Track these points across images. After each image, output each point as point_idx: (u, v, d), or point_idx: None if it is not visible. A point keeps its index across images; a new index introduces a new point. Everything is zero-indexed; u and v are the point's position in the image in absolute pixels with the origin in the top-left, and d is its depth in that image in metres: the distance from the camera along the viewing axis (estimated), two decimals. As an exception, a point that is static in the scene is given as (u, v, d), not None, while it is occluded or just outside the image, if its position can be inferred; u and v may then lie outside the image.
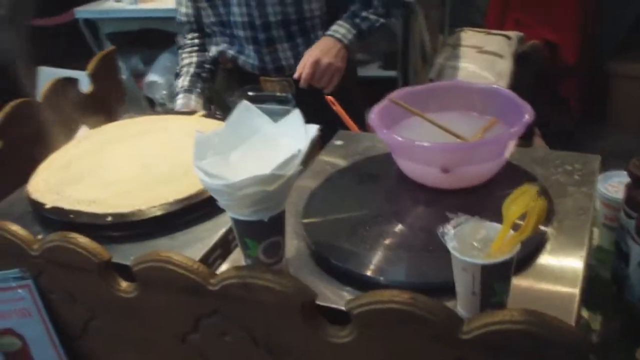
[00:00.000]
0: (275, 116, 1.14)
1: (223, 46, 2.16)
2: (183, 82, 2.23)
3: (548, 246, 1.13)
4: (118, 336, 1.26)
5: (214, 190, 1.03)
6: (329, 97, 1.65)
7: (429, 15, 3.20)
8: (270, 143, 1.08)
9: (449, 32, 3.48)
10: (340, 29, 2.04)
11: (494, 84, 2.71)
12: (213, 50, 2.21)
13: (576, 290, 1.03)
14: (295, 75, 1.98)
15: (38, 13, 3.69)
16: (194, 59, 2.27)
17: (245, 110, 1.11)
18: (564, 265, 1.08)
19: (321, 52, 1.98)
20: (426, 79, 3.00)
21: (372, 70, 3.48)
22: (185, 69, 2.26)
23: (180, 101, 2.19)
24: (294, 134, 1.06)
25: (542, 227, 1.13)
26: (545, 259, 1.10)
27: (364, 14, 2.05)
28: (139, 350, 1.25)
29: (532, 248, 1.09)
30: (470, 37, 3.03)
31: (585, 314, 1.33)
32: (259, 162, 1.02)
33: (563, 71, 3.59)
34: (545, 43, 3.32)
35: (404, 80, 3.20)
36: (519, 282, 1.04)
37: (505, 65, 2.84)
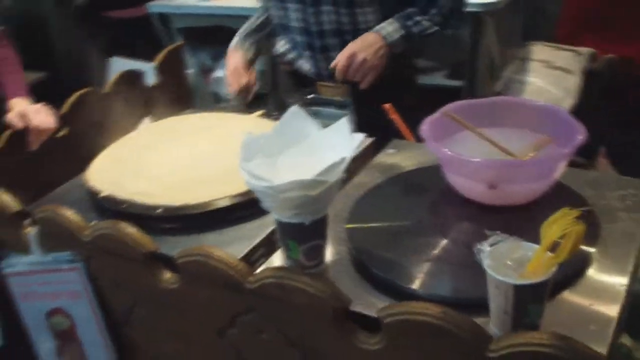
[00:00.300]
0: (333, 120, 1.15)
1: (284, 48, 2.17)
2: (244, 29, 2.31)
3: (591, 269, 1.12)
4: (160, 326, 1.30)
5: (258, 191, 1.05)
6: (386, 105, 1.65)
7: (501, 26, 3.17)
8: (316, 149, 1.09)
9: (521, 45, 3.43)
10: (388, 26, 1.99)
11: (561, 100, 2.67)
12: (275, 51, 2.23)
13: (614, 316, 1.02)
14: (331, 65, 1.96)
15: (113, 5, 3.78)
16: (261, 19, 2.31)
17: (294, 115, 1.13)
18: (604, 289, 1.07)
19: (360, 47, 1.94)
20: (492, 91, 2.97)
21: (437, 79, 3.45)
22: (250, 21, 2.33)
23: (233, 41, 2.28)
24: (340, 141, 1.07)
25: (587, 249, 1.12)
26: (587, 282, 1.09)
27: (417, 17, 2.00)
28: (178, 341, 1.28)
29: (574, 269, 1.09)
30: (540, 51, 2.99)
31: (627, 341, 1.31)
32: (305, 167, 1.04)
33: (636, 82, 3.49)
34: (621, 58, 3.24)
35: (469, 91, 3.17)
36: (558, 302, 1.04)
37: (573, 82, 2.79)
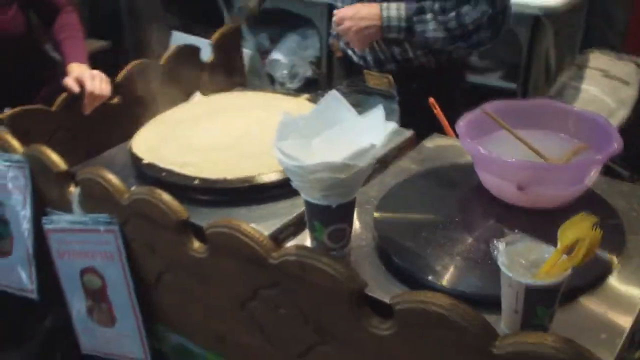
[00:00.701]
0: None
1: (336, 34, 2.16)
2: None
3: (611, 278, 1.12)
4: (186, 292, 1.34)
5: (288, 170, 1.08)
6: (431, 100, 1.66)
7: (560, 31, 3.13)
8: (350, 134, 1.12)
9: (580, 52, 3.39)
10: (393, 10, 1.87)
11: (614, 110, 2.65)
12: (331, 36, 2.20)
13: (626, 327, 1.02)
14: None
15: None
16: None
17: (333, 100, 1.16)
18: (621, 300, 1.08)
19: (352, 15, 1.87)
20: (546, 96, 2.94)
21: (492, 80, 3.41)
22: None
23: None
24: (373, 128, 1.09)
25: (609, 258, 1.12)
26: (605, 290, 1.10)
27: (428, 16, 1.86)
28: (202, 309, 1.32)
29: (594, 276, 1.09)
30: (599, 59, 2.96)
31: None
32: (337, 151, 1.06)
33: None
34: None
35: (522, 94, 3.14)
36: (573, 306, 1.05)
37: (630, 93, 2.76)
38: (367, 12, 1.85)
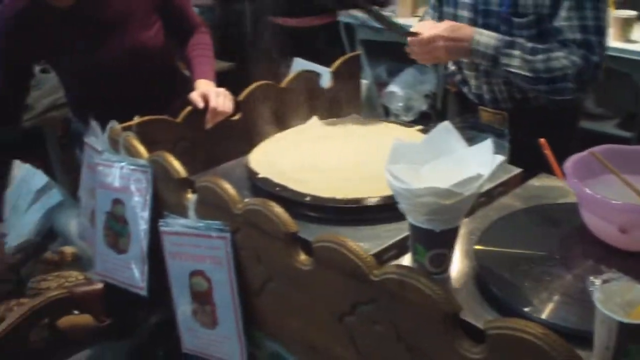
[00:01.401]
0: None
1: (453, 67, 2.18)
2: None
3: None
4: (287, 302, 1.40)
5: (396, 192, 1.13)
6: (542, 140, 1.68)
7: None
8: (459, 164, 1.16)
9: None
10: (485, 37, 1.89)
11: None
12: (448, 69, 2.23)
13: None
14: (414, 29, 1.93)
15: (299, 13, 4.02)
16: None
17: (444, 130, 1.20)
18: None
19: (448, 35, 1.88)
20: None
21: (607, 127, 3.37)
22: None
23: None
24: (481, 160, 1.13)
25: None
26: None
27: (516, 52, 1.86)
28: (300, 319, 1.38)
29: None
30: None
31: None
32: (444, 179, 1.11)
33: None
34: None
35: (637, 144, 3.09)
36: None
37: None
38: (463, 34, 1.89)
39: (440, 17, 2.11)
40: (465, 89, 2.10)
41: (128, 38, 2.28)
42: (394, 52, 3.83)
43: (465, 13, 1.94)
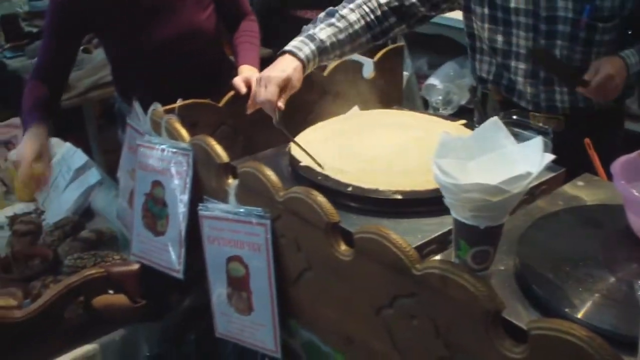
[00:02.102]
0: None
1: (493, 72, 2.06)
2: (321, 27, 1.90)
3: None
4: (325, 292, 1.40)
5: (443, 186, 1.12)
6: (587, 140, 1.66)
7: None
8: (507, 161, 1.14)
9: None
10: (632, 56, 1.83)
11: None
12: (481, 72, 2.12)
13: None
14: (585, 78, 1.81)
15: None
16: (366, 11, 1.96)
17: (493, 126, 1.19)
18: None
19: (616, 70, 1.78)
20: None
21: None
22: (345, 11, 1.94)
23: (294, 42, 1.87)
24: (530, 157, 1.12)
25: None
26: None
27: None
28: (337, 309, 1.38)
29: None
30: None
31: None
32: (492, 175, 1.09)
33: None
34: None
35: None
36: None
37: None
38: (621, 65, 1.82)
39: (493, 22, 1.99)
40: (514, 97, 2.03)
41: (182, 19, 2.30)
42: (436, 44, 3.81)
43: (521, 19, 1.88)
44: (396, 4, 1.95)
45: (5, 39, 4.64)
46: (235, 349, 1.79)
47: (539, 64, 1.90)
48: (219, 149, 1.59)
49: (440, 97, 3.65)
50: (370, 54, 2.18)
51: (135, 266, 1.85)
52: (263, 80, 1.74)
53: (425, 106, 3.83)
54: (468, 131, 1.74)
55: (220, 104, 1.92)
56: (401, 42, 2.67)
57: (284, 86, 1.74)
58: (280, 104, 1.73)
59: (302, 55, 1.79)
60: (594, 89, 1.79)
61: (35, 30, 4.80)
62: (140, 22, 2.27)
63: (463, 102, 3.69)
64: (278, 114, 1.73)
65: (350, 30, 1.90)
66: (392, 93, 2.21)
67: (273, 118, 1.73)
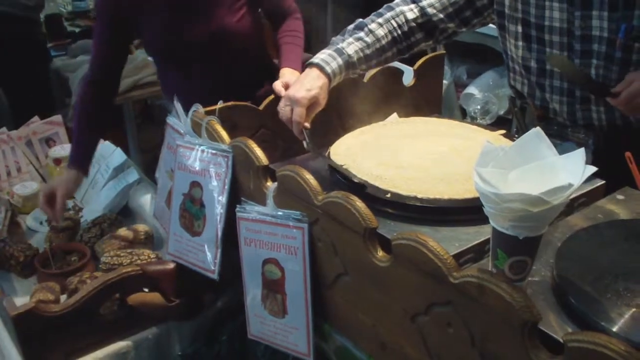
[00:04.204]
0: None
1: (527, 88, 2.00)
2: (349, 41, 1.91)
3: None
4: (360, 297, 1.40)
5: (483, 195, 1.12)
6: (628, 154, 1.64)
7: None
8: (548, 172, 1.14)
9: None
10: None
11: None
12: (516, 86, 2.05)
13: None
14: (614, 90, 1.71)
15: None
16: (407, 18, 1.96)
17: (535, 136, 1.18)
18: None
19: None
20: None
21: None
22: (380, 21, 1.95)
23: (322, 55, 1.87)
24: (572, 169, 1.11)
25: None
26: None
27: None
28: (372, 315, 1.39)
29: None
30: None
31: None
32: (533, 185, 1.09)
33: None
34: None
35: None
36: None
37: None
38: None
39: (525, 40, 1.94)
40: (550, 114, 2.00)
41: (212, 21, 2.29)
42: (476, 53, 3.80)
43: (555, 38, 1.86)
44: (423, 20, 1.95)
45: (48, 38, 4.72)
46: (267, 350, 1.80)
47: (556, 69, 1.87)
48: (258, 151, 1.60)
49: (478, 107, 3.62)
50: (410, 61, 2.18)
51: (171, 265, 1.87)
52: (289, 100, 1.75)
53: (463, 115, 3.81)
54: (507, 141, 1.73)
55: (261, 107, 1.93)
56: (442, 51, 2.66)
57: (310, 105, 1.75)
58: (307, 124, 1.74)
59: (329, 69, 1.80)
60: (623, 100, 1.72)
61: (77, 30, 4.88)
62: (170, 24, 2.28)
63: (501, 113, 3.66)
64: (307, 135, 1.74)
65: (377, 46, 1.91)
66: (432, 101, 2.21)
67: (304, 142, 1.75)
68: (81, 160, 2.33)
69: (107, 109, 2.44)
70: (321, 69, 1.80)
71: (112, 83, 2.42)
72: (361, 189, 1.55)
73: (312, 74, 1.80)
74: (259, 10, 2.45)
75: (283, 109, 1.76)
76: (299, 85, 1.77)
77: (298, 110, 1.72)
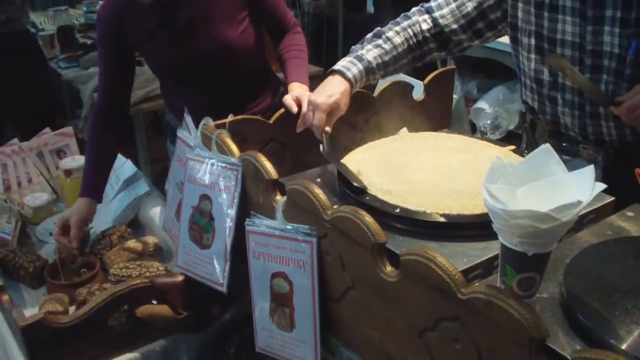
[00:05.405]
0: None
1: (537, 102, 2.00)
2: (368, 48, 1.97)
3: None
4: (367, 312, 1.40)
5: (492, 211, 1.12)
6: (638, 170, 1.64)
7: None
8: (557, 189, 1.14)
9: None
10: None
11: None
12: (527, 100, 2.06)
13: None
14: (618, 98, 1.69)
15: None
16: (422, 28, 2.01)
17: (545, 153, 1.19)
18: None
19: None
20: None
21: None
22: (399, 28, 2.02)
23: (343, 62, 1.93)
24: (582, 186, 1.11)
25: None
26: None
27: None
28: (379, 329, 1.39)
29: None
30: None
31: None
32: (541, 202, 1.09)
33: None
34: None
35: None
36: None
37: None
38: None
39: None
40: (561, 129, 1.99)
41: (212, 36, 2.29)
42: (486, 68, 3.80)
43: (567, 51, 1.86)
44: (436, 30, 2.00)
45: (60, 49, 4.75)
46: (274, 364, 1.80)
47: (555, 69, 1.87)
48: (268, 165, 1.60)
49: (488, 122, 3.62)
50: (420, 75, 2.19)
51: (180, 277, 1.88)
52: (311, 105, 1.79)
53: (473, 130, 3.81)
54: (517, 157, 1.73)
55: (271, 121, 1.94)
56: (451, 65, 2.66)
57: (331, 111, 1.79)
58: (328, 128, 1.79)
59: (350, 75, 1.84)
60: (625, 109, 1.69)
61: (89, 42, 4.90)
62: (169, 40, 2.29)
63: (511, 128, 3.67)
64: (326, 140, 1.78)
65: (395, 53, 1.96)
66: (442, 116, 2.22)
67: (321, 145, 1.78)
68: (95, 190, 2.34)
69: (118, 138, 2.45)
70: (343, 75, 1.85)
71: (120, 108, 2.43)
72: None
73: (335, 80, 1.85)
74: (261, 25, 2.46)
75: (307, 114, 1.81)
76: (321, 91, 1.82)
77: (318, 115, 1.76)
